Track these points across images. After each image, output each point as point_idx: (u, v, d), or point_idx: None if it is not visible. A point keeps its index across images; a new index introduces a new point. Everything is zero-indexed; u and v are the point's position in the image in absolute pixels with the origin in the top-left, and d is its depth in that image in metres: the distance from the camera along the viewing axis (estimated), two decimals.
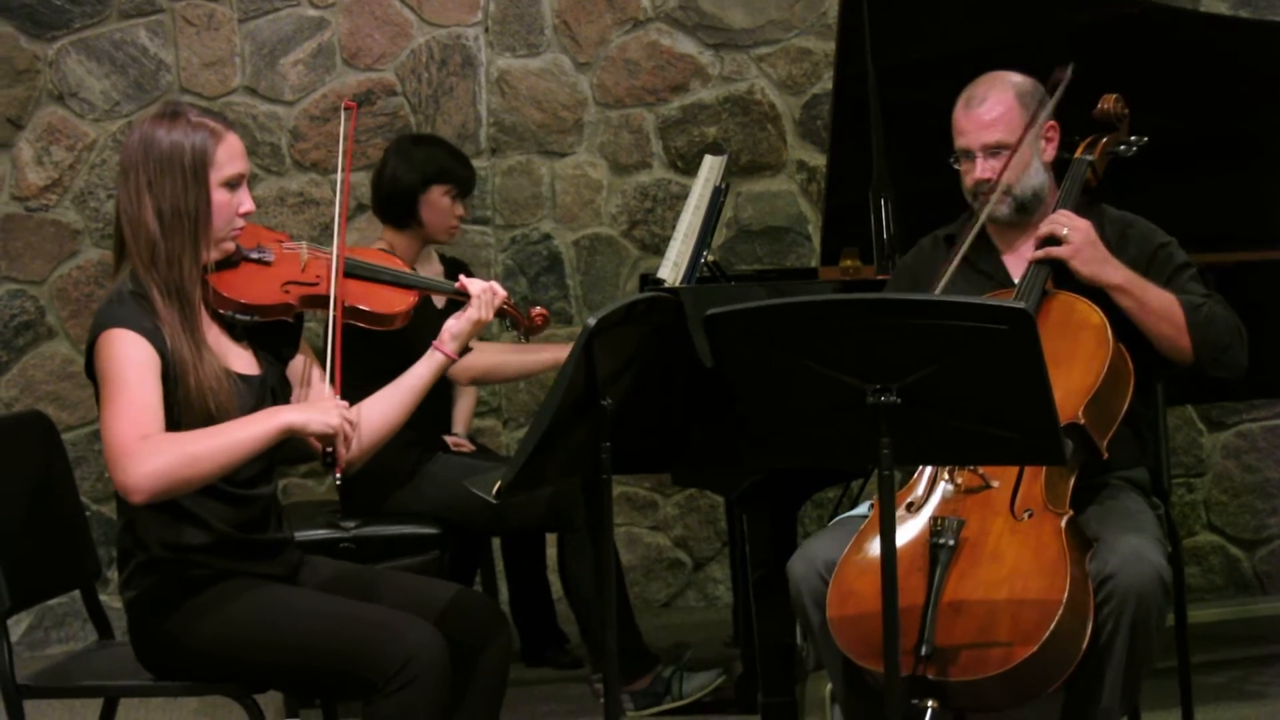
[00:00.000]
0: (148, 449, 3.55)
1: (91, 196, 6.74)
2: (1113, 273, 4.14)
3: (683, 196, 6.00)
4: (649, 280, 5.38)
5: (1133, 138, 4.46)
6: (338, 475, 3.71)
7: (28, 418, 4.29)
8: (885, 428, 3.44)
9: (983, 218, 4.25)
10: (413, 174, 5.49)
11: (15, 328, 6.73)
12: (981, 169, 4.29)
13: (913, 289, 4.42)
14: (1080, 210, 4.28)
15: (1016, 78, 4.34)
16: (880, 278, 5.03)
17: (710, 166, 5.29)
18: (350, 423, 3.68)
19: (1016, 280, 4.23)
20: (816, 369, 3.46)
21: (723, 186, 5.26)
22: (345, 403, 3.72)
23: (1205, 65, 5.48)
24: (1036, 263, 4.17)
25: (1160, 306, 4.13)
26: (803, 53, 6.95)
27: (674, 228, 5.26)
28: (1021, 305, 3.44)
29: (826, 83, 6.66)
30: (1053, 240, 4.15)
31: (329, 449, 3.68)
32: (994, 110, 4.28)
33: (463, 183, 5.59)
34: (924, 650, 3.63)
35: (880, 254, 5.22)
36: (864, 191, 5.26)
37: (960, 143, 4.34)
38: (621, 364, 3.68)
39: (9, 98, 6.68)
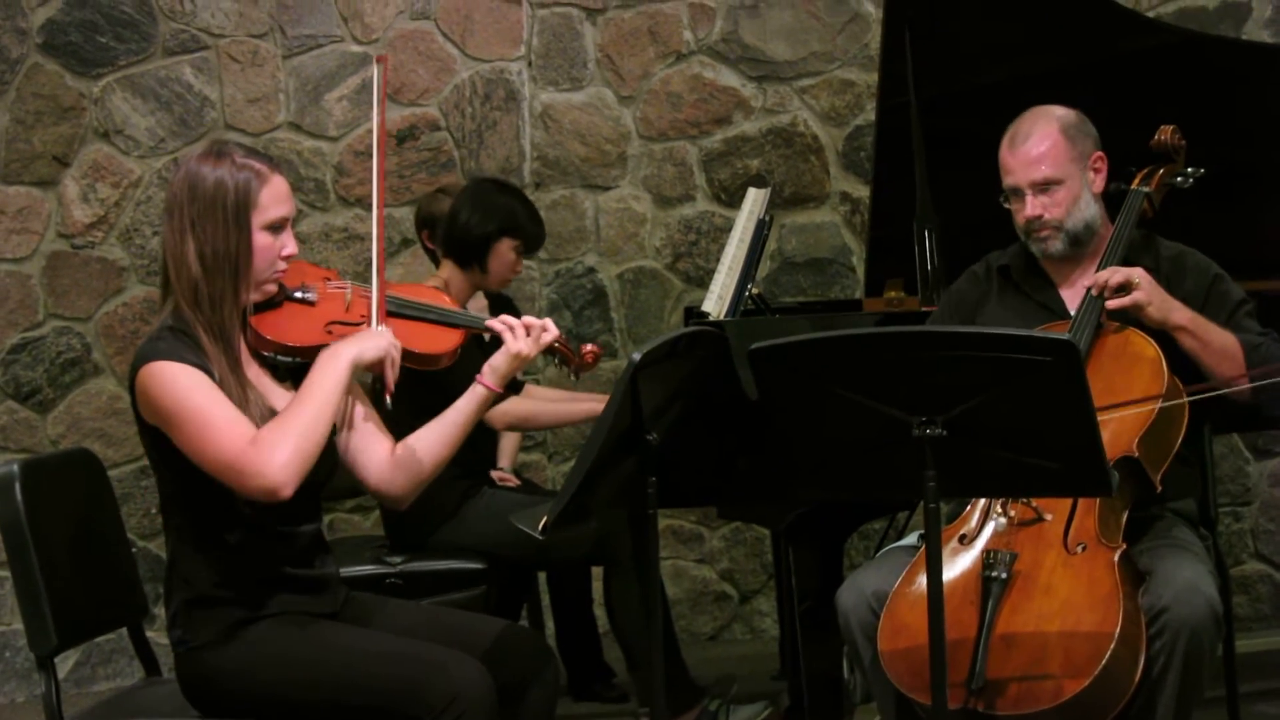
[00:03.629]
0: (265, 447, 3.55)
1: (137, 233, 6.76)
2: (1178, 314, 4.11)
3: (726, 229, 6.01)
4: (694, 313, 5.38)
5: (1189, 169, 4.45)
6: (389, 399, 3.74)
7: (75, 455, 4.31)
8: (931, 460, 3.42)
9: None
10: (489, 223, 5.46)
11: (62, 365, 6.76)
12: (1032, 206, 4.26)
13: (961, 318, 4.42)
14: (1135, 242, 4.27)
15: (1060, 111, 4.32)
16: (925, 309, 5.02)
17: (754, 199, 5.30)
18: (395, 346, 3.75)
19: (1073, 312, 4.22)
20: (861, 402, 3.45)
21: (766, 219, 5.26)
22: (386, 329, 3.76)
23: (1247, 93, 5.45)
24: (1109, 312, 4.13)
25: (1221, 345, 4.12)
26: (845, 84, 6.94)
27: (718, 260, 5.26)
28: (1066, 337, 3.42)
29: (869, 114, 6.67)
30: (1123, 289, 4.11)
31: (378, 377, 3.73)
32: (1040, 146, 4.26)
33: (532, 240, 5.59)
34: (975, 684, 3.62)
35: (925, 285, 5.21)
36: (908, 222, 5.26)
37: (1008, 181, 4.31)
38: (666, 398, 3.67)
39: (55, 135, 6.72)
